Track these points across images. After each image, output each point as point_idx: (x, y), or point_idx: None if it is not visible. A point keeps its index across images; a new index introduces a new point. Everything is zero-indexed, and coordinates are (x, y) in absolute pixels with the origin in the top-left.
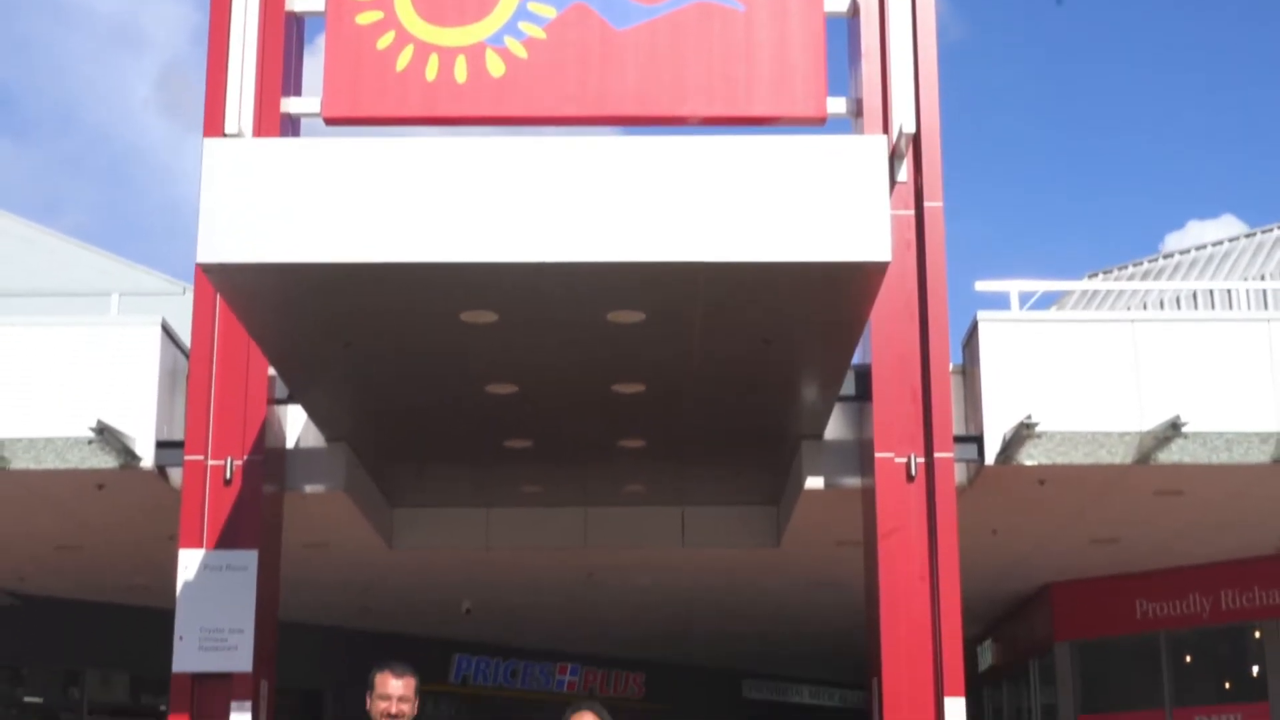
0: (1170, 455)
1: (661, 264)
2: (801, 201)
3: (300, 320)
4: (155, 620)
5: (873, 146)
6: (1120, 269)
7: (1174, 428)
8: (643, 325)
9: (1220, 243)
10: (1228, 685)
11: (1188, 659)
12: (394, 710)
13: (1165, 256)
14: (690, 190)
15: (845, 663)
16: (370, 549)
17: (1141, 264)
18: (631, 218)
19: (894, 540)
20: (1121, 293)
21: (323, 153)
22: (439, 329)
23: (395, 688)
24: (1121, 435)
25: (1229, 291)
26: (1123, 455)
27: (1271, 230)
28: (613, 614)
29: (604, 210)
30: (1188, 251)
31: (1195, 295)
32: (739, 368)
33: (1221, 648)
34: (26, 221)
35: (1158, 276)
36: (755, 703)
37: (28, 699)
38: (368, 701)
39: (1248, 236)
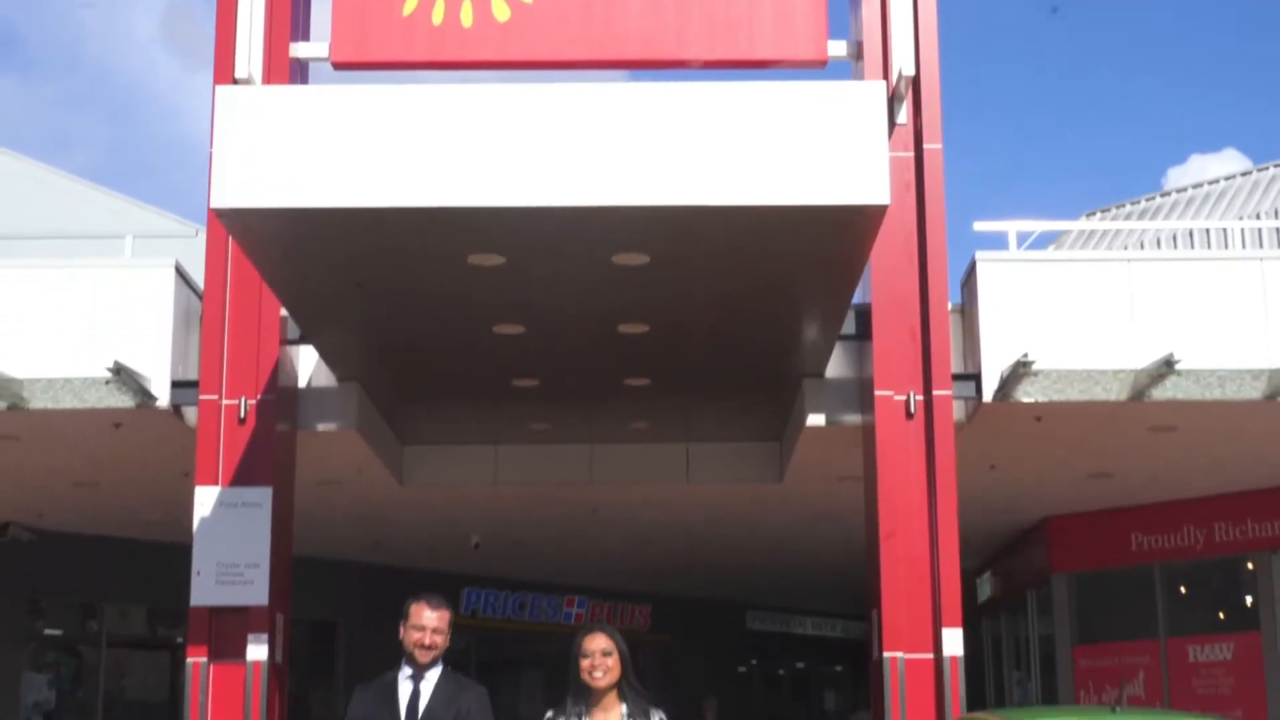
0: (1164, 392)
1: (665, 208)
2: (802, 146)
3: (312, 263)
4: (171, 554)
5: (872, 92)
6: (1118, 207)
7: (1168, 365)
8: (647, 268)
9: (1216, 181)
10: (1220, 616)
11: (1181, 590)
12: (427, 641)
13: (1163, 195)
14: (693, 135)
15: (847, 594)
16: (381, 486)
17: (1139, 202)
18: (635, 162)
19: (894, 487)
20: (1118, 232)
21: (333, 99)
22: (447, 271)
23: (430, 619)
24: (1116, 373)
25: (1224, 230)
26: (1118, 392)
27: (1267, 169)
28: (619, 548)
29: (608, 155)
30: (1185, 190)
31: (1191, 234)
32: (741, 308)
33: (1214, 579)
34: (37, 163)
35: (1155, 215)
36: (759, 633)
37: (47, 631)
38: (401, 630)
39: (1244, 175)
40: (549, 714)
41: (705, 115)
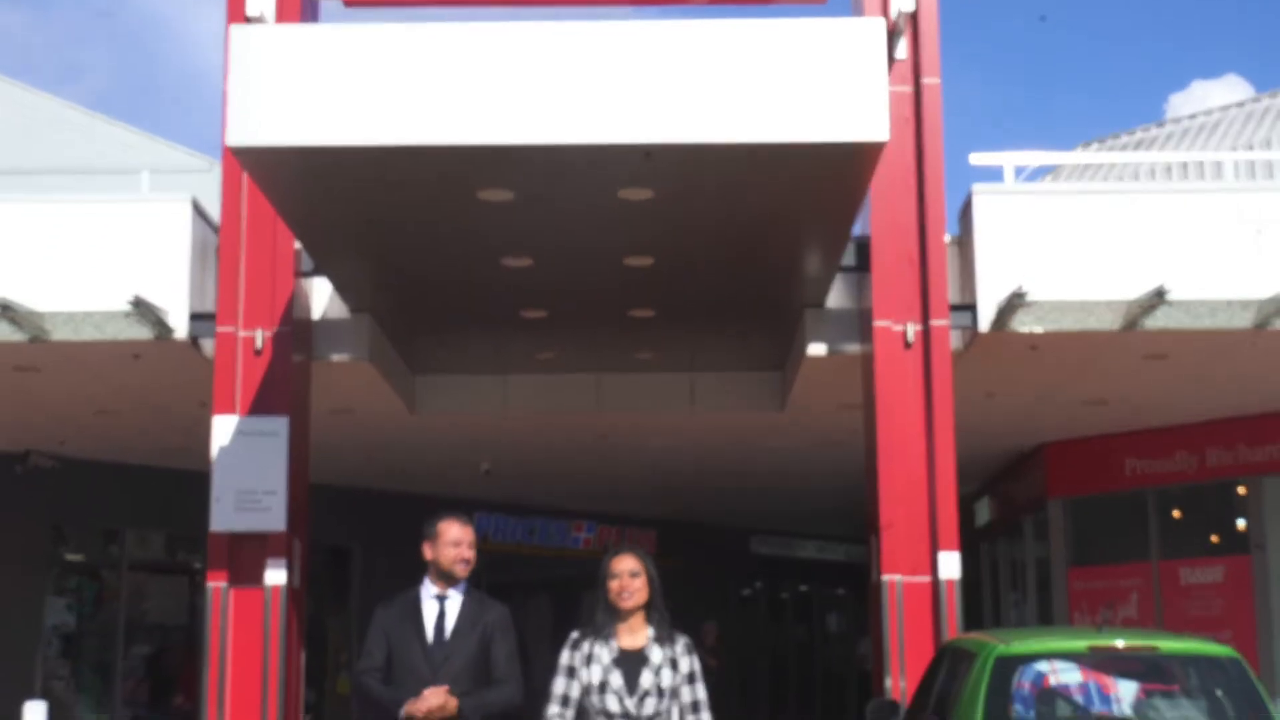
0: (1156, 322)
1: (668, 145)
2: (802, 82)
3: (325, 198)
4: (189, 481)
5: (871, 28)
6: (1114, 138)
7: (1159, 296)
8: (652, 202)
9: (1211, 112)
10: (1212, 539)
11: (1175, 514)
12: (465, 555)
13: (1159, 125)
14: (695, 72)
15: (848, 519)
16: (393, 414)
17: (1135, 133)
18: (640, 100)
19: (893, 414)
20: (1114, 164)
21: (346, 37)
22: (457, 207)
23: (465, 533)
24: (1109, 303)
25: (1218, 163)
26: (1110, 322)
27: (1260, 100)
28: (625, 475)
29: (613, 92)
30: (1180, 120)
31: (1186, 166)
32: (744, 241)
33: (1207, 503)
34: (51, 96)
35: (1150, 146)
36: (763, 558)
37: (69, 557)
38: (427, 550)
39: (1238, 106)
40: (575, 635)
41: (707, 52)
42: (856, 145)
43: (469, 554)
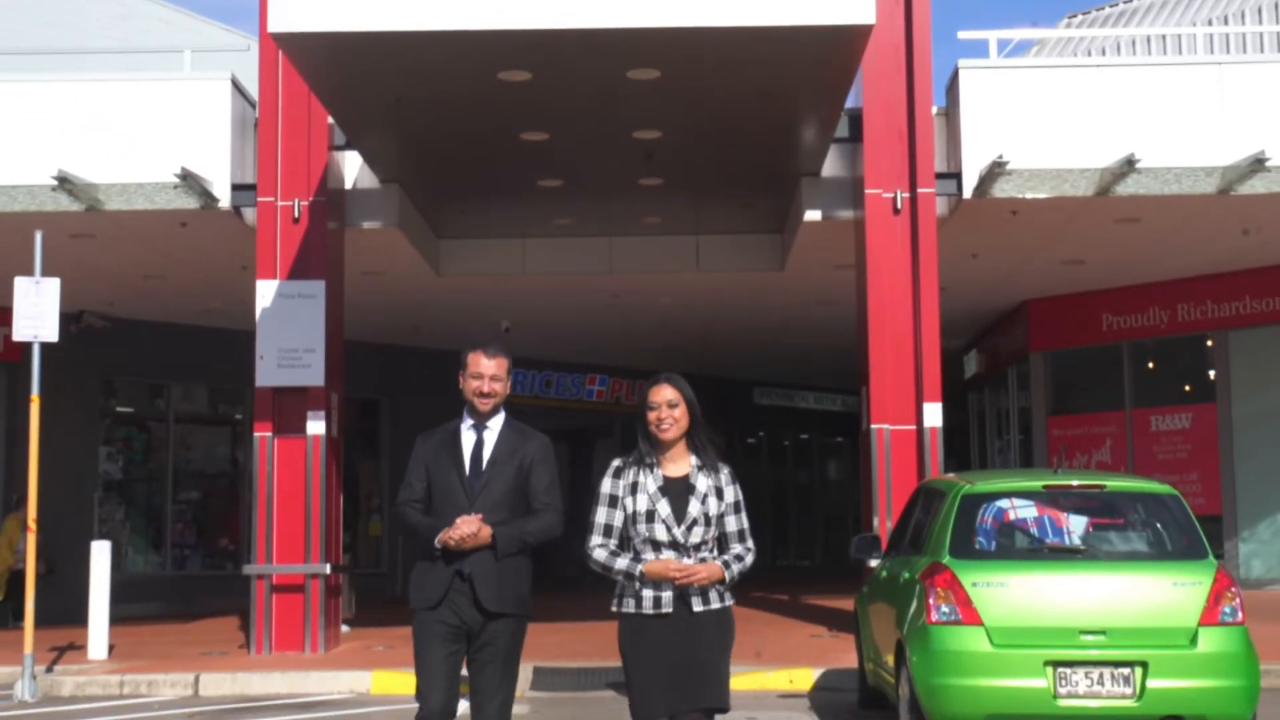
0: (1127, 188)
1: (671, 29)
2: None
3: (357, 79)
4: (230, 338)
5: None
6: (1098, 10)
7: (1129, 164)
8: (658, 81)
9: None
10: (1185, 389)
11: (1150, 365)
12: (486, 389)
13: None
14: None
15: (844, 372)
16: (419, 276)
17: (1118, 4)
18: None
19: (882, 275)
20: (1093, 38)
21: None
22: (480, 86)
23: (488, 366)
24: (1083, 171)
25: (1193, 36)
26: (1084, 188)
27: None
28: (636, 331)
29: None
30: None
31: (1165, 39)
32: (744, 116)
33: (1177, 355)
34: None
35: (1129, 21)
36: (765, 408)
37: (119, 409)
38: (460, 381)
39: None
40: (617, 463)
41: None
42: (846, 28)
43: (490, 387)
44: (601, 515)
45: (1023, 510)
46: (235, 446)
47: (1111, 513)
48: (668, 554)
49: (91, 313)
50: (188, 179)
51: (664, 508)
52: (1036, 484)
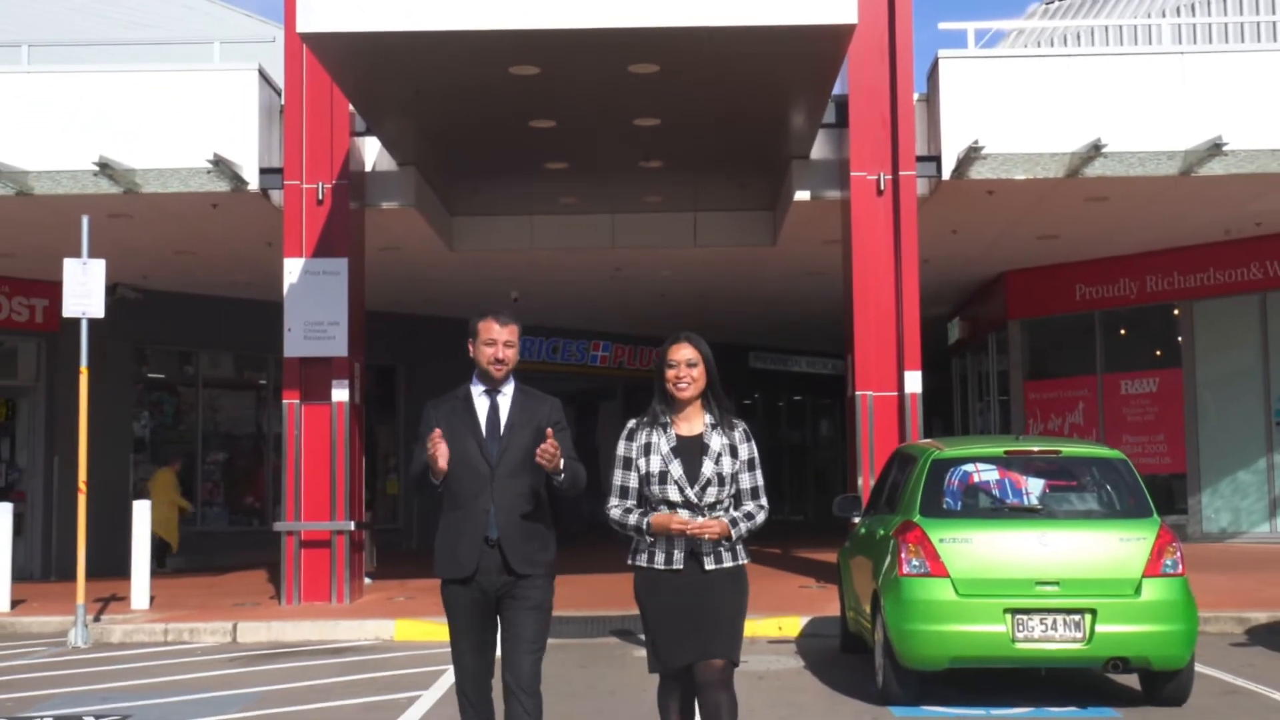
0: (1094, 170)
1: (669, 28)
2: None
3: (378, 73)
4: (254, 309)
5: None
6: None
7: (1096, 148)
8: (657, 74)
9: None
10: (1153, 354)
11: (1121, 332)
12: (500, 355)
13: None
14: None
15: (835, 336)
16: (434, 251)
17: None
18: None
19: (866, 251)
20: (1066, 28)
21: None
22: (492, 80)
23: (500, 333)
24: (1054, 154)
25: (1159, 26)
26: (1055, 170)
27: None
28: (637, 301)
29: None
30: None
31: (1135, 29)
32: (737, 104)
33: (1146, 324)
34: None
35: (1097, 12)
36: (760, 371)
37: (151, 375)
38: (470, 348)
39: None
40: (630, 424)
41: None
42: (830, 27)
43: (504, 354)
44: (617, 478)
45: (986, 473)
46: (260, 410)
47: (1066, 475)
48: (683, 513)
49: (125, 285)
50: (220, 164)
51: (676, 469)
52: (998, 450)
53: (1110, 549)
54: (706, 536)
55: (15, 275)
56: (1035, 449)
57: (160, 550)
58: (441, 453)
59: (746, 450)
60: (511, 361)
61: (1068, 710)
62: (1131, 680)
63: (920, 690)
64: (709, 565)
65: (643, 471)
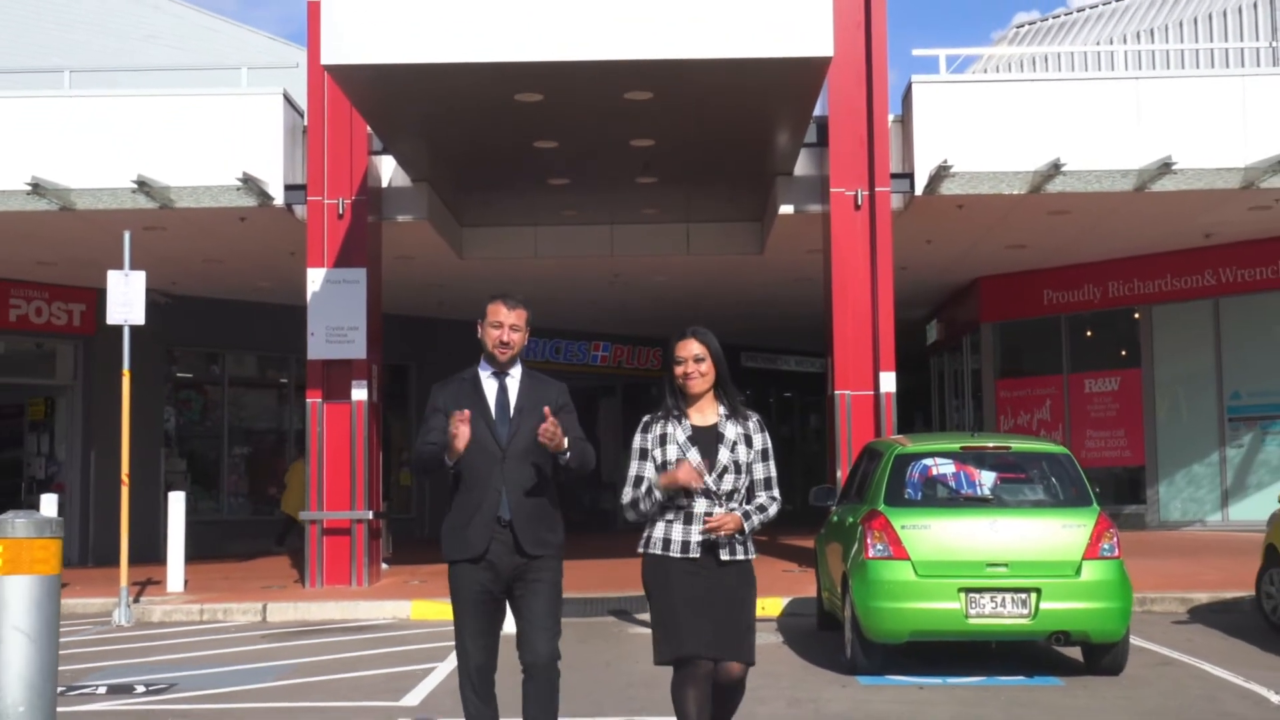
0: (1055, 186)
1: (661, 60)
2: (763, 9)
3: (395, 99)
4: (276, 313)
5: None
6: (1043, 20)
7: (1055, 167)
8: (651, 100)
9: (1108, 2)
10: (1116, 355)
11: (1088, 334)
12: (505, 338)
13: (1067, 13)
14: (678, 5)
15: (820, 337)
16: (445, 259)
17: (1059, 16)
18: (637, 28)
19: (846, 261)
20: (1028, 54)
21: None
22: (499, 105)
23: (507, 316)
24: (1017, 173)
25: (1115, 54)
26: (1018, 187)
27: None
28: (634, 304)
29: (617, 23)
30: (1082, 10)
31: (1099, 55)
32: (725, 126)
33: (1108, 327)
34: None
35: (1062, 39)
36: (752, 370)
37: (179, 374)
38: (479, 330)
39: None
40: (647, 417)
41: None
42: (808, 59)
43: (510, 336)
44: (633, 468)
45: (943, 467)
46: (281, 407)
47: (1015, 469)
48: (700, 502)
49: (156, 291)
50: (248, 182)
51: (694, 456)
52: (955, 446)
53: (1053, 534)
54: (722, 533)
55: (55, 282)
56: (989, 445)
57: (286, 529)
58: (463, 435)
59: (760, 441)
60: (517, 345)
61: (1016, 679)
62: (1074, 653)
63: (884, 661)
64: (724, 556)
65: (659, 461)
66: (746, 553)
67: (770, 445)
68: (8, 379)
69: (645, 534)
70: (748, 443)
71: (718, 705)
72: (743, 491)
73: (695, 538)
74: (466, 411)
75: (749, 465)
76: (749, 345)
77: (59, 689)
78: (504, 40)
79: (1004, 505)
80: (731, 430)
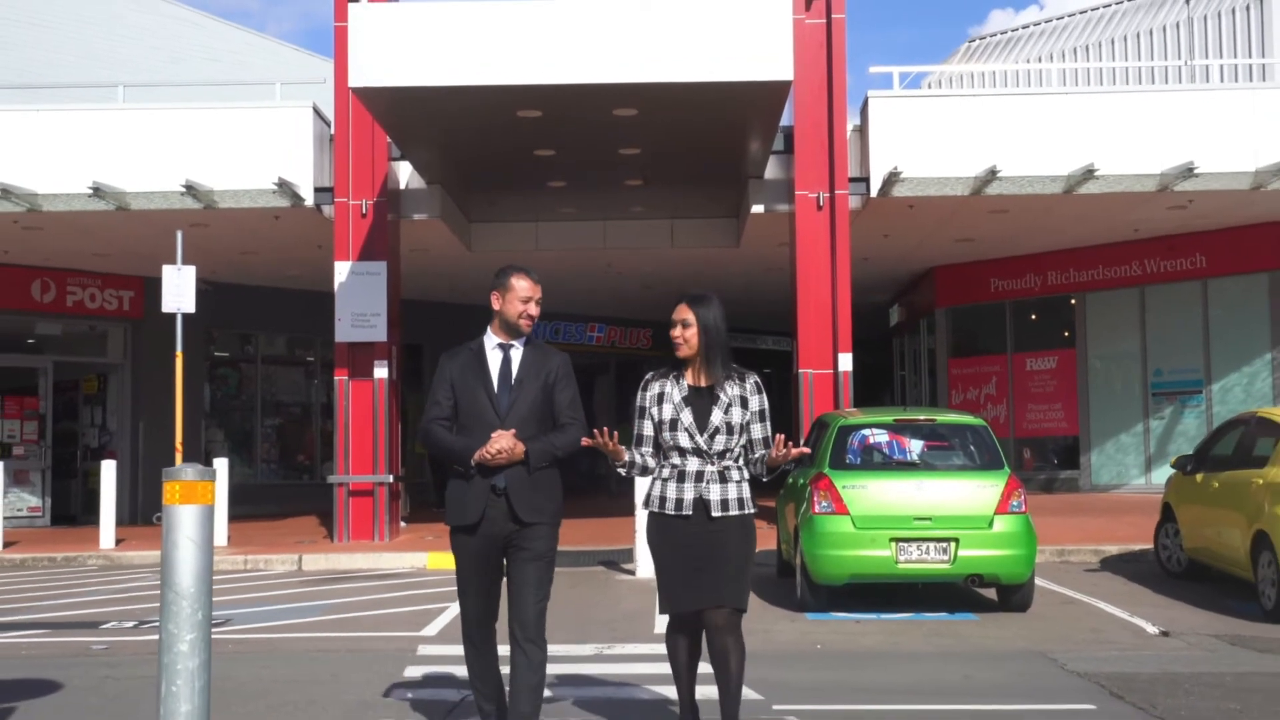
0: (993, 190)
1: (644, 83)
2: (727, 35)
3: (413, 115)
4: (306, 298)
5: (780, 5)
6: (992, 36)
7: (992, 173)
8: (637, 116)
9: (1051, 20)
10: (1054, 336)
11: (1033, 317)
12: (532, 310)
13: (1014, 30)
14: (654, 35)
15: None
16: (456, 252)
17: (1008, 32)
18: (622, 56)
19: (809, 255)
20: (974, 72)
21: (432, 12)
22: (503, 120)
23: (534, 291)
24: (959, 178)
25: (1049, 71)
26: (961, 190)
27: (1074, 16)
28: (626, 290)
29: (607, 51)
30: (1028, 27)
31: (1031, 73)
32: (702, 137)
33: (1047, 312)
34: (182, 5)
35: (1006, 57)
36: (735, 349)
37: (217, 354)
38: (496, 301)
39: (1081, 13)
40: (649, 374)
41: (668, 21)
42: (771, 83)
43: (535, 310)
44: (635, 427)
45: (879, 436)
46: (308, 383)
47: (940, 438)
48: (692, 460)
49: (199, 280)
50: (283, 185)
51: (686, 416)
52: (889, 418)
53: (970, 493)
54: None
55: (107, 271)
56: (918, 418)
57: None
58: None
59: (757, 402)
60: (536, 318)
61: (938, 615)
62: (990, 593)
63: (829, 600)
64: (715, 513)
65: (656, 419)
66: (743, 508)
67: (767, 406)
68: (65, 357)
69: (646, 493)
70: (743, 404)
71: (717, 666)
72: (737, 451)
73: (688, 495)
74: (512, 431)
75: (745, 426)
76: (731, 326)
77: (133, 623)
78: (508, 65)
79: (929, 468)
80: (728, 392)
